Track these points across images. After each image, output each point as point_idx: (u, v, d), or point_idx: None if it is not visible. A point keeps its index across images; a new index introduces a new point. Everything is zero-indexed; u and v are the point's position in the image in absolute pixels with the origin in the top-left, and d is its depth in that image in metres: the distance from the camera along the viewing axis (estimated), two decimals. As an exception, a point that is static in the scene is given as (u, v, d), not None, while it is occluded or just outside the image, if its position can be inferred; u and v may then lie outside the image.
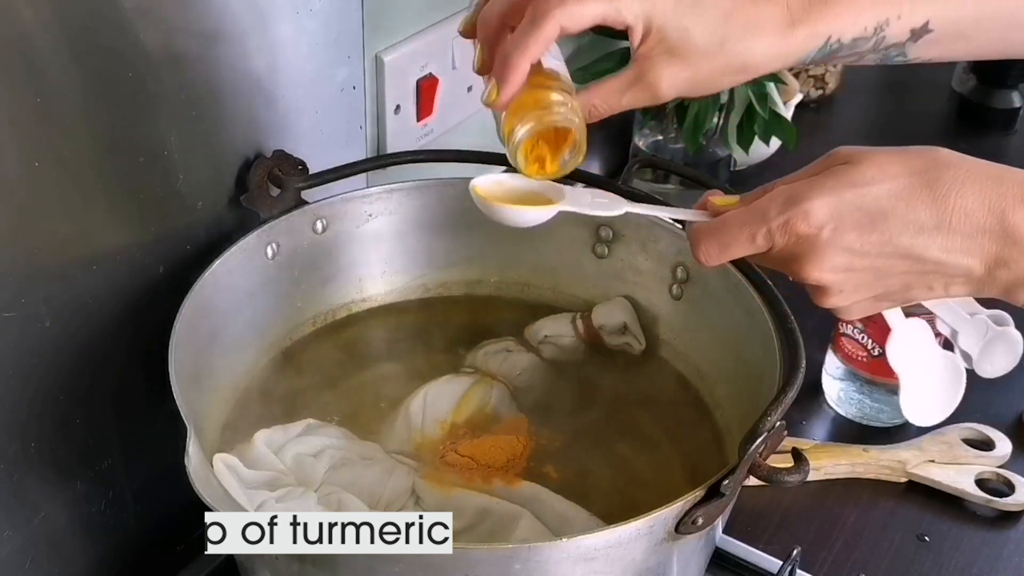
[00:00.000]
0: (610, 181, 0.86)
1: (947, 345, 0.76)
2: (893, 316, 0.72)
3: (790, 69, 1.14)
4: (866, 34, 0.66)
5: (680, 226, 0.84)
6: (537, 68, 0.64)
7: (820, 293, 0.61)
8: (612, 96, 0.66)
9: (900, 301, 0.62)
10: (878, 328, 0.94)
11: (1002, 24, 0.68)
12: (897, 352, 0.76)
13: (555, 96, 0.64)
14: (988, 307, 0.72)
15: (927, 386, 0.77)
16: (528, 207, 0.66)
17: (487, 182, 0.67)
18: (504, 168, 0.82)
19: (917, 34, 0.67)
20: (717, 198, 0.64)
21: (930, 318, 0.73)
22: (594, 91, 0.66)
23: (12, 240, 0.65)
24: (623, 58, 1.17)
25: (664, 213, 0.70)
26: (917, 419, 0.78)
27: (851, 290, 0.60)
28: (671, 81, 0.65)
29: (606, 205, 0.67)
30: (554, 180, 0.66)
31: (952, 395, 0.77)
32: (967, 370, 0.77)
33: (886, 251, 0.58)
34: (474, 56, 0.68)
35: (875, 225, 0.57)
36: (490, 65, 0.66)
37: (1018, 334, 0.75)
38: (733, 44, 0.64)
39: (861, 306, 0.62)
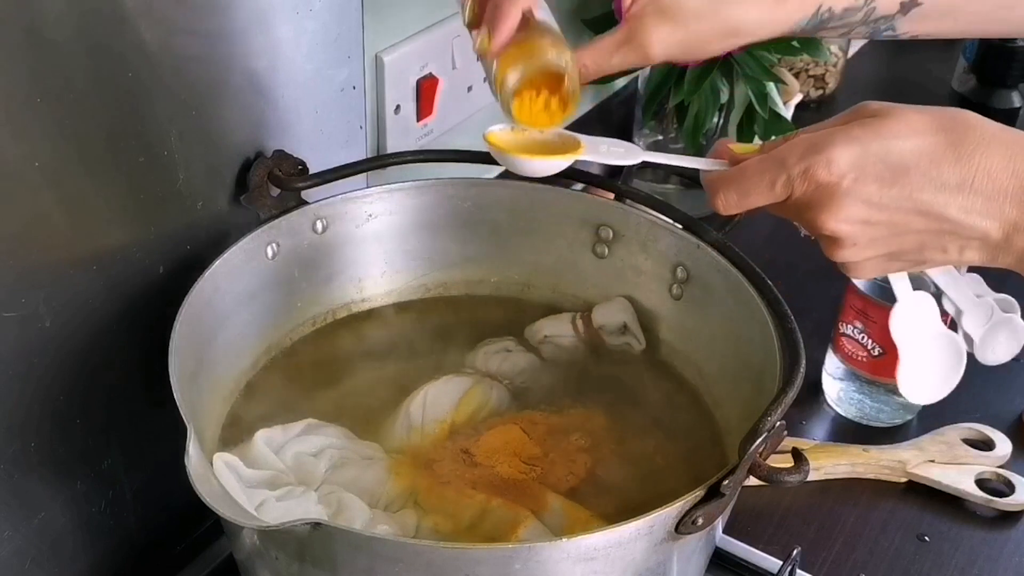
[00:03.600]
0: (611, 181, 0.86)
1: (952, 327, 0.76)
2: (900, 287, 0.72)
3: (782, 42, 1.14)
4: (856, 4, 0.66)
5: (680, 226, 0.84)
6: (528, 20, 0.64)
7: (834, 244, 0.60)
8: (602, 56, 0.66)
9: (912, 263, 0.61)
10: (878, 328, 0.94)
11: (992, 3, 0.68)
12: (900, 324, 0.76)
13: (546, 42, 0.64)
14: (998, 292, 0.72)
15: (927, 363, 0.76)
16: (544, 157, 0.65)
17: (501, 131, 0.67)
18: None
19: (907, 7, 0.66)
20: (736, 146, 0.63)
21: (937, 295, 0.73)
22: (584, 51, 0.66)
23: (12, 240, 0.65)
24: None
25: (680, 162, 0.67)
26: (914, 396, 0.77)
27: (865, 244, 0.60)
28: (661, 42, 0.65)
29: (622, 155, 0.67)
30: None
31: (951, 375, 0.77)
32: (968, 356, 0.76)
33: (904, 206, 0.57)
34: (465, 9, 0.68)
35: (896, 179, 0.57)
36: (480, 18, 0.66)
37: (1023, 323, 0.74)
38: (726, 7, 0.64)
39: (873, 264, 0.61)
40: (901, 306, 0.72)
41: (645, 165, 0.67)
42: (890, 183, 0.57)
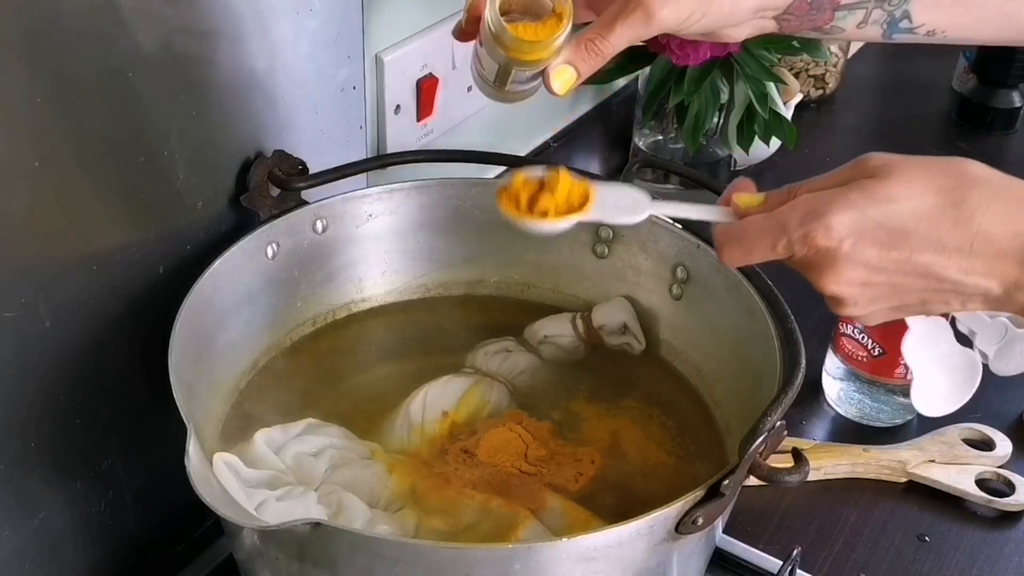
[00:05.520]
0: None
1: (965, 339, 0.76)
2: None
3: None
4: None
5: (680, 226, 0.84)
6: None
7: (836, 304, 0.61)
8: (605, 27, 0.65)
9: (917, 313, 0.62)
10: (878, 328, 0.94)
11: None
12: (912, 349, 0.76)
13: None
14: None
15: (940, 379, 0.76)
16: (548, 221, 0.64)
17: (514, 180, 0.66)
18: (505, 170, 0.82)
19: None
20: (741, 199, 0.63)
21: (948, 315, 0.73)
22: (587, 29, 0.65)
23: (12, 240, 0.65)
24: (621, 58, 1.17)
25: (687, 213, 0.67)
26: (928, 410, 0.77)
27: (867, 303, 0.60)
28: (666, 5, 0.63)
29: (629, 208, 0.65)
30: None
31: (966, 388, 0.77)
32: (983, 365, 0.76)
33: (904, 268, 0.58)
34: (460, 20, 0.67)
35: (896, 243, 0.57)
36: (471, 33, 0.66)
37: None
38: None
39: (877, 316, 0.62)
40: (912, 333, 0.72)
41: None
42: (889, 247, 0.57)
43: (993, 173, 0.58)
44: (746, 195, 0.63)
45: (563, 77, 0.65)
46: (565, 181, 0.64)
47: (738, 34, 0.69)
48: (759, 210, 0.62)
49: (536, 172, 0.65)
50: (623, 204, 0.65)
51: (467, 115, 1.10)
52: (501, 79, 0.67)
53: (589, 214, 0.65)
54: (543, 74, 0.66)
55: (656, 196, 0.66)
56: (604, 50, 0.65)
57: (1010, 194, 0.56)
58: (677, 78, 1.13)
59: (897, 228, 0.57)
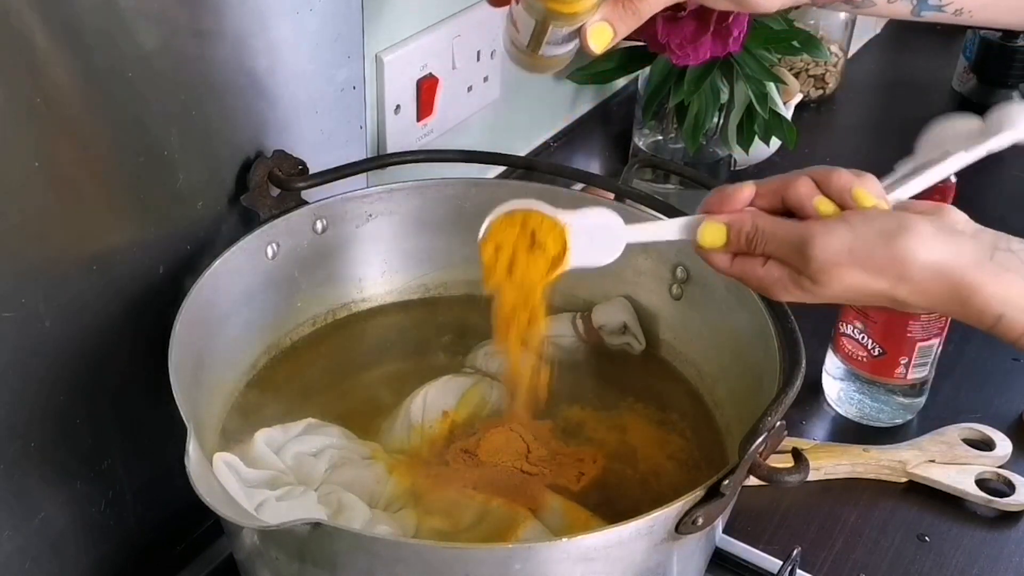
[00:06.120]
0: (611, 181, 0.86)
1: None
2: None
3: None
4: None
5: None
6: None
7: None
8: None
9: None
10: (878, 328, 0.94)
11: None
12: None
13: None
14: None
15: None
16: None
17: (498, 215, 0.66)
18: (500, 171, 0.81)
19: None
20: (704, 237, 0.63)
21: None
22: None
23: (12, 240, 0.65)
24: (621, 58, 1.17)
25: (662, 235, 0.66)
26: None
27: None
28: None
29: (606, 242, 0.65)
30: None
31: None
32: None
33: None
34: None
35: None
36: None
37: None
38: None
39: None
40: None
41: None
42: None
43: (932, 254, 0.57)
44: (711, 229, 0.62)
45: (600, 35, 0.65)
46: (542, 235, 0.65)
47: (771, 4, 0.69)
48: (721, 251, 0.63)
49: (511, 208, 0.66)
50: (599, 239, 0.65)
51: (467, 115, 1.10)
52: (536, 40, 0.66)
53: (566, 266, 0.65)
54: (580, 33, 0.65)
55: (629, 218, 0.65)
56: (642, 10, 0.64)
57: (938, 285, 0.57)
58: (677, 78, 1.13)
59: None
